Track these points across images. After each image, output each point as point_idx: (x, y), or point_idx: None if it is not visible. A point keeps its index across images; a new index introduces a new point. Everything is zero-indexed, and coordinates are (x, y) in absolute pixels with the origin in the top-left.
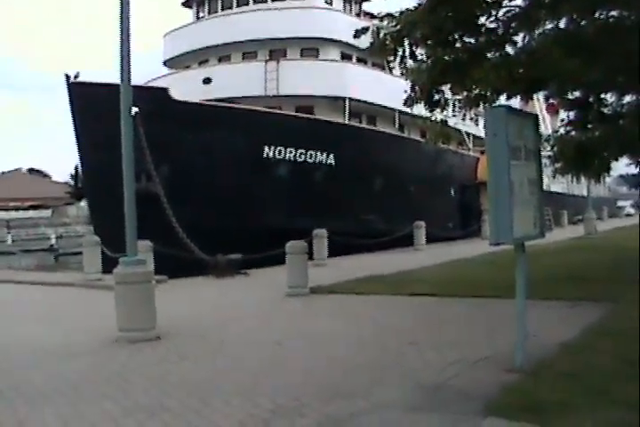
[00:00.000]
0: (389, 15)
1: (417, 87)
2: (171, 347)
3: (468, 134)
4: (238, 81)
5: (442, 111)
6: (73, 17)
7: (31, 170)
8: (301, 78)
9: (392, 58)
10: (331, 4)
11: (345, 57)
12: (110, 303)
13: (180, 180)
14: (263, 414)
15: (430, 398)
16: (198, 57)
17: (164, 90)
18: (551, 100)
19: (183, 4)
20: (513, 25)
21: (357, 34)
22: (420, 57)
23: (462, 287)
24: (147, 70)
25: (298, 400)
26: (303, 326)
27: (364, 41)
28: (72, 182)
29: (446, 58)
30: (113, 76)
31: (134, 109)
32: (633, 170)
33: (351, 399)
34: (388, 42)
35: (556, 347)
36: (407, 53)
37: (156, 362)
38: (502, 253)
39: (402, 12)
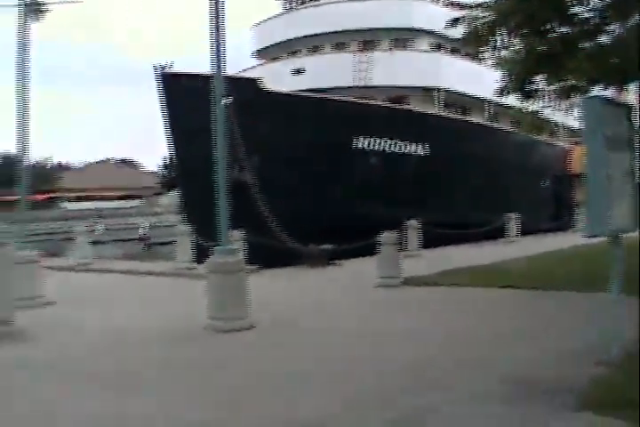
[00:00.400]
0: (482, 5)
1: (510, 77)
2: (263, 336)
3: (561, 125)
4: (329, 72)
5: (535, 102)
6: (165, 10)
7: (121, 160)
8: (393, 69)
9: (485, 48)
10: None
11: (437, 47)
12: (202, 293)
13: (271, 170)
14: (352, 403)
15: (521, 391)
16: (289, 48)
17: (256, 80)
18: None
19: None
20: (607, 14)
21: (451, 24)
22: (514, 46)
23: (554, 280)
24: (236, 61)
25: (384, 393)
26: (395, 317)
27: (456, 31)
28: (163, 172)
29: (540, 48)
30: (201, 66)
31: (226, 100)
32: None
33: (442, 391)
34: (481, 32)
35: None
36: (501, 43)
37: (248, 351)
38: (595, 246)
39: (495, 2)
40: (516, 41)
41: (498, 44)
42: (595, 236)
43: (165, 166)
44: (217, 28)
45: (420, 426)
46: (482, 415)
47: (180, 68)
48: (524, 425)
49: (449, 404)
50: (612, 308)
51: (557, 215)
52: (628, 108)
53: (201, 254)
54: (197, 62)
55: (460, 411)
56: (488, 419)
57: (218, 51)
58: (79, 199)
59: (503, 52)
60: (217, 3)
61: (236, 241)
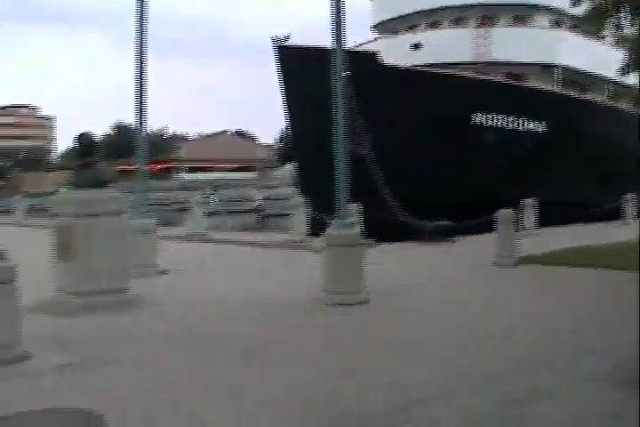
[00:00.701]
0: None
1: (633, 56)
2: (377, 310)
3: None
4: (448, 47)
5: None
6: None
7: (238, 132)
8: (512, 45)
9: (609, 25)
10: None
11: (556, 24)
12: (316, 265)
13: (388, 144)
14: (469, 379)
15: (621, 374)
16: (408, 22)
17: (374, 54)
18: None
19: None
20: None
21: (576, 1)
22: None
23: None
24: (354, 34)
25: (503, 369)
26: (510, 295)
27: (578, 9)
28: (278, 145)
29: None
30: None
31: (345, 73)
32: None
33: (558, 372)
34: (606, 8)
35: None
36: (626, 21)
37: (362, 324)
38: None
39: None
40: None
41: (622, 21)
42: None
43: (281, 139)
44: (337, 1)
45: (533, 404)
46: (595, 399)
47: (296, 40)
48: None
49: (564, 385)
50: None
51: None
52: None
53: (316, 227)
54: (315, 35)
55: (574, 393)
56: (602, 402)
57: (338, 24)
58: (194, 170)
59: (626, 31)
60: None
61: (352, 215)
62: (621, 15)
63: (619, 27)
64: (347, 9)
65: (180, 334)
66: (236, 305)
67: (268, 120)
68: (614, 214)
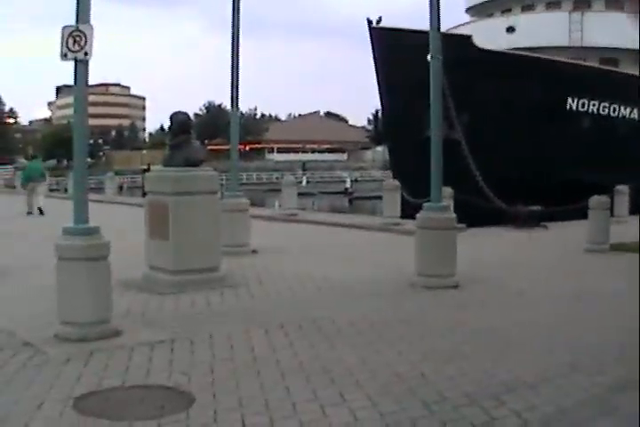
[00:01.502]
0: None
1: None
2: (468, 295)
3: None
4: (542, 30)
5: None
6: None
7: (328, 113)
8: (606, 30)
9: None
10: None
11: None
12: (408, 248)
13: (482, 128)
14: (562, 367)
15: None
16: (502, 5)
17: (468, 37)
18: None
19: None
20: None
21: None
22: None
23: None
24: (449, 17)
25: (596, 358)
26: (602, 283)
27: None
28: (370, 127)
29: None
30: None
31: (439, 56)
32: None
33: None
34: None
35: None
36: None
37: (454, 308)
38: None
39: None
40: None
41: None
42: None
43: (373, 121)
44: None
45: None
46: None
47: (391, 22)
48: None
49: None
50: None
51: None
52: None
53: (409, 210)
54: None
55: None
56: None
57: (434, 6)
58: (285, 151)
59: None
60: None
61: (444, 198)
62: None
63: None
64: None
65: (270, 312)
66: (327, 286)
67: (361, 102)
68: None
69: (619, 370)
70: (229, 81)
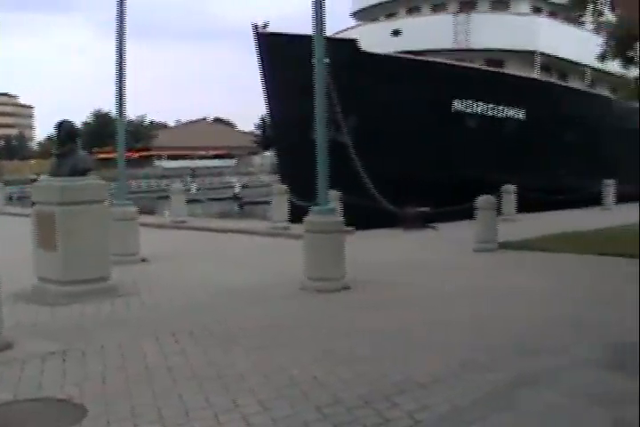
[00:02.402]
0: None
1: (612, 42)
2: (360, 296)
3: None
4: (427, 33)
5: (636, 68)
6: None
7: (217, 119)
8: (491, 32)
9: (590, 11)
10: None
11: (535, 10)
12: (297, 252)
13: (368, 131)
14: (454, 366)
15: (626, 358)
16: (387, 9)
17: (354, 41)
18: None
19: None
20: None
21: None
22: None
23: None
24: (333, 22)
25: (490, 355)
26: (492, 281)
27: None
28: (258, 132)
29: None
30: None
31: (325, 60)
32: None
33: (545, 356)
34: None
35: None
36: (606, 5)
37: (345, 310)
38: None
39: None
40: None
41: (602, 7)
42: None
43: (261, 126)
44: None
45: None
46: (579, 380)
47: (276, 27)
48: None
49: (548, 368)
50: None
51: None
52: None
53: (296, 214)
54: (294, 22)
55: (558, 376)
56: (586, 384)
57: (318, 11)
58: (174, 158)
59: (606, 17)
60: None
61: (332, 201)
62: (601, 1)
63: (599, 13)
64: None
65: (161, 320)
66: (218, 292)
67: (248, 107)
68: (595, 200)
69: (512, 366)
70: (115, 87)
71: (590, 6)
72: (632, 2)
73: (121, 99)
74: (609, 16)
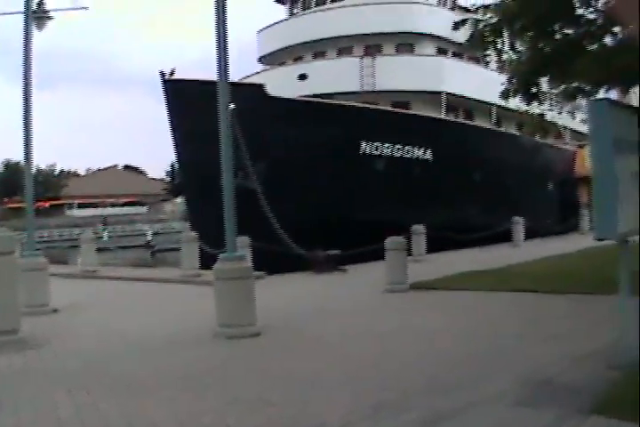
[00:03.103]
0: (486, 7)
1: (514, 80)
2: (271, 342)
3: (565, 128)
4: (334, 77)
5: (539, 104)
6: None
7: (127, 167)
8: (397, 73)
9: (490, 50)
10: None
11: (441, 51)
12: (209, 299)
13: (278, 176)
14: (366, 409)
15: (536, 394)
16: (293, 53)
17: (260, 86)
18: None
19: (277, 1)
20: (612, 16)
21: (456, 26)
22: (518, 49)
23: (562, 283)
24: (240, 67)
25: (402, 395)
26: (404, 321)
27: (460, 35)
28: (168, 179)
29: (546, 49)
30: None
31: (231, 106)
32: None
33: (456, 393)
34: (486, 34)
35: None
36: (506, 45)
37: (257, 357)
38: (602, 249)
39: (498, 4)
40: (520, 43)
41: (502, 46)
42: (604, 239)
43: (171, 173)
44: (221, 35)
45: None
46: (492, 417)
47: (184, 74)
48: None
49: (461, 406)
50: (621, 310)
51: (563, 218)
52: (634, 110)
53: (207, 261)
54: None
55: (471, 413)
56: (499, 421)
57: (222, 57)
58: (85, 206)
59: (508, 55)
60: (221, 11)
61: (242, 247)
62: (501, 40)
63: (500, 51)
64: (235, 42)
65: (74, 372)
66: (130, 341)
67: (159, 154)
68: (505, 237)
69: (425, 405)
70: (22, 136)
71: (491, 45)
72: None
73: (27, 147)
74: (510, 54)
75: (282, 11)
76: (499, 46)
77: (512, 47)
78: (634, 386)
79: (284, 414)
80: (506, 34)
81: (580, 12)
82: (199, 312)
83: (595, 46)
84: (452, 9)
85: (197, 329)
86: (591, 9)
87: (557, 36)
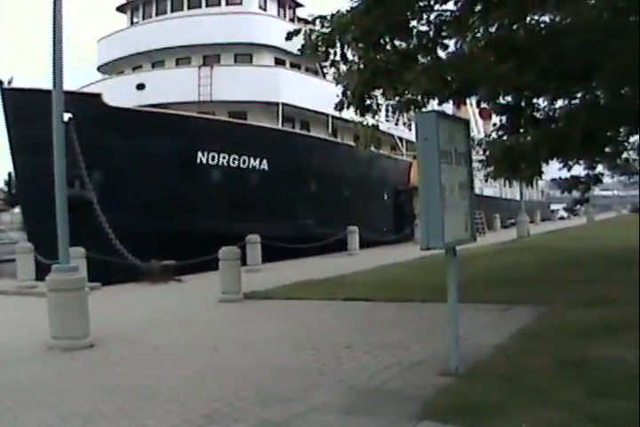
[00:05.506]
0: (321, 17)
1: (348, 91)
2: (104, 354)
3: (401, 139)
4: (172, 87)
5: (373, 116)
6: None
7: None
8: (235, 84)
9: (324, 61)
10: (265, 9)
11: (278, 62)
12: (44, 311)
13: (114, 185)
14: (197, 419)
15: (365, 402)
16: (132, 62)
17: (98, 95)
18: (483, 105)
19: (118, 9)
20: (444, 28)
21: (289, 36)
22: (351, 60)
23: (395, 291)
24: (80, 75)
25: (233, 405)
26: (237, 331)
27: (298, 45)
28: (5, 189)
29: (377, 61)
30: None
31: (67, 115)
32: (565, 174)
33: (287, 403)
34: (319, 44)
35: (490, 349)
36: (338, 56)
37: (90, 369)
38: (435, 257)
39: (333, 15)
40: (352, 54)
41: (335, 57)
42: (431, 248)
43: (8, 183)
44: (56, 43)
45: None
46: (326, 426)
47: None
48: None
49: (291, 415)
50: (449, 317)
51: (399, 228)
52: (464, 123)
53: (43, 272)
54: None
55: (301, 422)
56: None
57: (57, 65)
58: None
59: (342, 66)
60: (56, 18)
61: (76, 258)
62: (333, 51)
63: (334, 62)
64: (81, 52)
65: None
66: None
67: None
68: (341, 246)
69: (256, 415)
70: None
71: (323, 56)
72: None
73: None
74: (342, 66)
75: (123, 19)
76: (331, 57)
77: (344, 58)
78: (464, 391)
79: (116, 426)
80: (338, 45)
81: (412, 24)
82: (35, 325)
83: (426, 59)
84: (292, 20)
85: (31, 342)
86: (423, 22)
87: (389, 48)
